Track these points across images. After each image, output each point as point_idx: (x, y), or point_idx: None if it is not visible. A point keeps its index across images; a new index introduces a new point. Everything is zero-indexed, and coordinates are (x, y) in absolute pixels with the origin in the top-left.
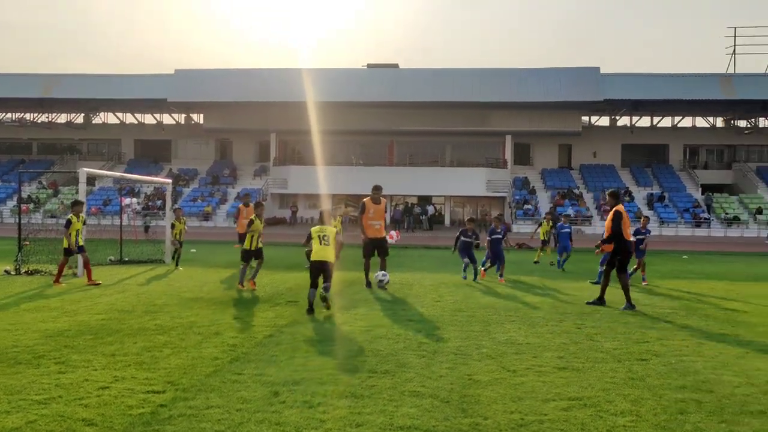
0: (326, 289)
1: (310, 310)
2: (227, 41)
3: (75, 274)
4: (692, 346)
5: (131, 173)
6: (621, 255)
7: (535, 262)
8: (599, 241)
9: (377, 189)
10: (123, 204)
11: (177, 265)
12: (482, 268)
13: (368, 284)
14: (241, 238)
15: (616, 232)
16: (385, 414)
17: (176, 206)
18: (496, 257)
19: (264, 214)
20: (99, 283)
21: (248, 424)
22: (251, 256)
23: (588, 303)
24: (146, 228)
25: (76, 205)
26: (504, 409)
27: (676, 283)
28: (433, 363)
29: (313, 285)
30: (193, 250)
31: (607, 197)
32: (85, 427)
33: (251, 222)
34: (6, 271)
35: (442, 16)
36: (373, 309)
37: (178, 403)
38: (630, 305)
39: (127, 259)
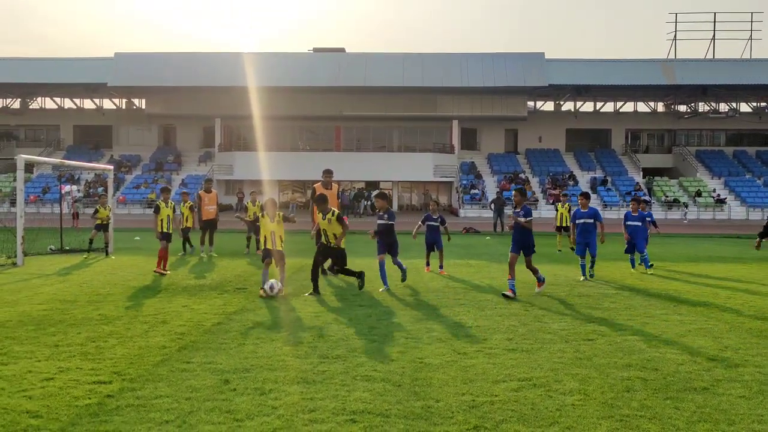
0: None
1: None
2: (167, 27)
3: (14, 264)
4: (636, 326)
5: (71, 160)
6: None
7: (559, 251)
8: None
9: (328, 173)
10: (63, 191)
11: (106, 253)
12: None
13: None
14: (203, 226)
15: None
16: (337, 399)
17: (102, 193)
18: (434, 246)
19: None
20: (167, 272)
21: (198, 413)
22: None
23: None
24: (76, 215)
25: (165, 192)
26: (455, 391)
27: (618, 264)
28: (384, 347)
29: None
30: (137, 238)
31: None
32: (30, 420)
33: (256, 220)
34: None
35: (389, 0)
36: (323, 294)
37: (126, 394)
38: None
39: (68, 248)
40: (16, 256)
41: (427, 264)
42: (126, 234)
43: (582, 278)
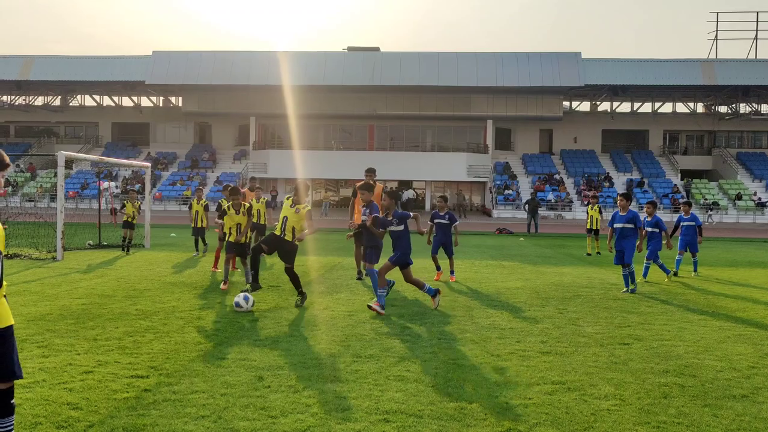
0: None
1: None
2: (205, 24)
3: (54, 258)
4: (673, 331)
5: (109, 157)
6: None
7: (588, 254)
8: None
9: (370, 172)
10: (101, 188)
11: (127, 250)
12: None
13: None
14: (252, 227)
15: None
16: (370, 398)
17: (131, 188)
18: (440, 246)
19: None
20: (217, 270)
21: (233, 409)
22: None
23: None
24: (114, 210)
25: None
26: (489, 393)
27: (654, 268)
28: (417, 347)
29: None
30: (173, 235)
31: None
32: (70, 411)
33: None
34: None
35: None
36: (356, 294)
37: (163, 388)
38: None
39: (105, 243)
40: (56, 251)
41: (438, 268)
42: (162, 230)
43: (624, 290)
